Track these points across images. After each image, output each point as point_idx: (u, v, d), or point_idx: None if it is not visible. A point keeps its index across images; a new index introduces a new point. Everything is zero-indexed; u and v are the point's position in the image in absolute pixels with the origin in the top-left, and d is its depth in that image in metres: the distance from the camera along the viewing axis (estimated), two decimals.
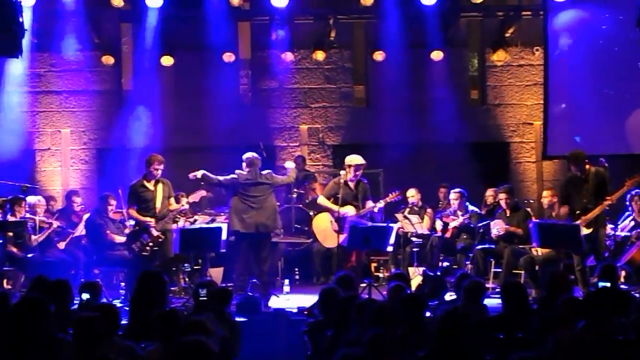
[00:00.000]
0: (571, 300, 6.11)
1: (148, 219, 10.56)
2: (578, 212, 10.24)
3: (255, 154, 11.18)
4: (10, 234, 11.00)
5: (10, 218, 11.03)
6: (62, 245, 11.87)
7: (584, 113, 13.39)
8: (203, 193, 11.27)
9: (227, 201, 11.51)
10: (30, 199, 12.01)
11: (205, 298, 7.11)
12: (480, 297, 7.15)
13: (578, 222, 10.13)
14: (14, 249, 11.11)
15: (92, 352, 5.18)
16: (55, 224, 11.83)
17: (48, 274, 8.36)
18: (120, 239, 11.46)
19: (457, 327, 5.26)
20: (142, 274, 7.12)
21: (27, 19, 11.53)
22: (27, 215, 11.39)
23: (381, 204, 11.31)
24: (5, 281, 11.02)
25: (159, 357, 5.45)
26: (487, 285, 11.31)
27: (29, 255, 11.19)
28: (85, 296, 6.97)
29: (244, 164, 11.08)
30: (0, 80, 14.12)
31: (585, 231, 10.12)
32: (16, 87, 14.41)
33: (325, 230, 11.44)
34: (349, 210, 11.06)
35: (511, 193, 11.90)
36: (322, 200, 11.39)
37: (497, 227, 11.53)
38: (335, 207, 11.01)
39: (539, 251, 10.91)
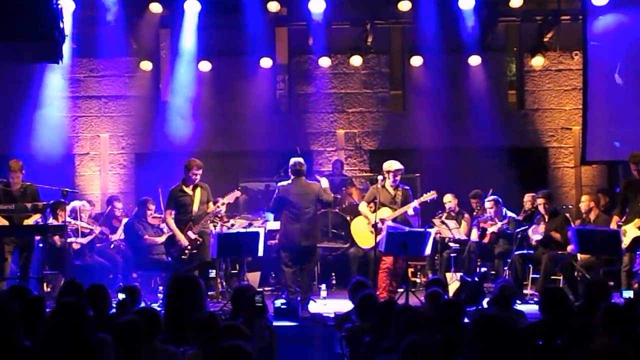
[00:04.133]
0: (611, 308, 6.02)
1: (182, 238, 10.54)
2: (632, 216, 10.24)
3: (298, 160, 10.91)
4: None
5: (52, 222, 11.13)
6: None
7: (623, 118, 13.24)
8: (238, 194, 11.23)
9: (265, 206, 11.55)
10: (75, 203, 12.13)
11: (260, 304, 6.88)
12: (510, 303, 7.12)
13: (631, 224, 10.10)
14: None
15: (133, 357, 5.20)
16: (98, 229, 11.95)
17: (87, 278, 8.45)
18: (160, 239, 11.56)
19: (489, 333, 5.20)
20: (172, 278, 7.07)
21: (67, 24, 11.66)
22: (69, 219, 11.49)
23: (415, 203, 11.03)
24: (45, 284, 11.13)
25: None
26: (525, 292, 11.35)
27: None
28: (121, 296, 6.95)
29: (289, 171, 10.91)
30: (41, 85, 14.29)
31: (637, 233, 10.08)
32: (56, 92, 14.57)
33: (364, 232, 11.31)
34: (384, 213, 10.92)
35: (550, 198, 11.76)
36: (362, 207, 11.19)
37: (536, 233, 11.48)
38: (372, 217, 10.89)
39: (578, 257, 10.85)
